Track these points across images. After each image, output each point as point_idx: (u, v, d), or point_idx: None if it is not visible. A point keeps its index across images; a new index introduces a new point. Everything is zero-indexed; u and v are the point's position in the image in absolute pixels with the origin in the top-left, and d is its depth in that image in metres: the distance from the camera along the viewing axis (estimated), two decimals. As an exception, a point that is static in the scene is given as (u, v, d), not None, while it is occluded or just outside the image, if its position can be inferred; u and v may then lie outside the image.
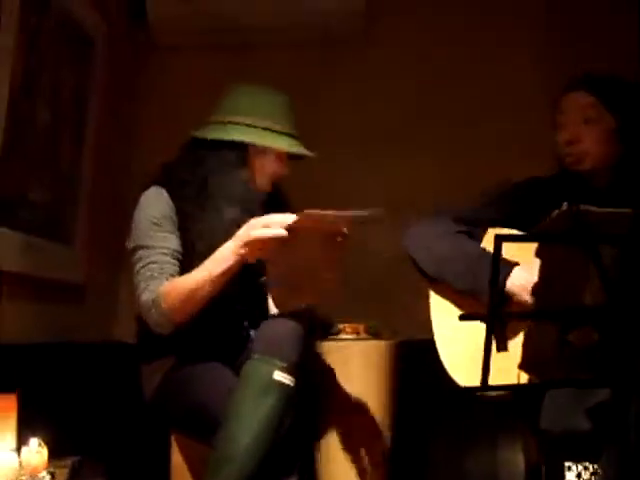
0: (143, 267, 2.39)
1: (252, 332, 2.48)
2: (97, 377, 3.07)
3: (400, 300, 3.10)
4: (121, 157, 3.47)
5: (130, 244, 2.45)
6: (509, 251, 2.17)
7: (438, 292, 2.39)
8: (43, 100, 2.83)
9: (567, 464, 3.01)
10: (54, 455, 2.25)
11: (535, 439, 2.38)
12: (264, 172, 2.55)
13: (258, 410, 2.20)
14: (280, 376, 2.22)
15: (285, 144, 2.51)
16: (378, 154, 3.45)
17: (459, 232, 2.40)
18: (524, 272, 2.18)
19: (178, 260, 2.41)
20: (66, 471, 2.31)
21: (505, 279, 2.22)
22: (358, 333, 2.86)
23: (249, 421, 2.20)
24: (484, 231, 2.39)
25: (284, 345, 2.25)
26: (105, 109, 3.24)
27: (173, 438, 2.54)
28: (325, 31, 3.49)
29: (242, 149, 2.50)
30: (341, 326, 2.83)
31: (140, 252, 2.41)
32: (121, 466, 2.84)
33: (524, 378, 1.77)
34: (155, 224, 2.42)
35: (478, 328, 2.22)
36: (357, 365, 2.71)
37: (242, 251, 2.28)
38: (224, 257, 2.31)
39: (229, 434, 2.20)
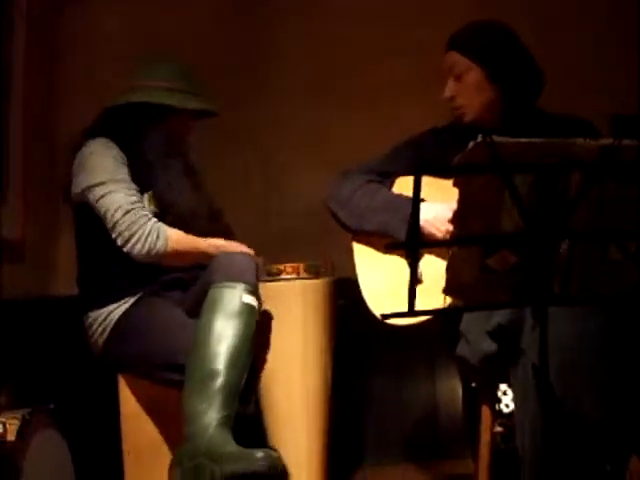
0: (127, 196, 2.51)
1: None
2: (40, 332, 3.12)
3: (337, 239, 3.19)
4: (48, 111, 3.46)
5: (91, 181, 2.52)
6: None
7: (360, 242, 2.56)
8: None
9: (502, 389, 3.15)
10: (4, 408, 2.31)
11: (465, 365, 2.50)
12: (184, 134, 2.72)
13: (233, 329, 2.37)
14: (248, 298, 2.40)
15: (198, 104, 2.67)
16: (317, 108, 3.50)
17: (370, 181, 2.57)
18: (431, 207, 2.32)
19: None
20: (17, 422, 2.37)
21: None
22: (298, 273, 2.94)
23: (227, 339, 2.36)
24: (393, 181, 2.57)
25: (244, 272, 2.44)
26: (29, 62, 3.21)
27: (122, 382, 2.61)
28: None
29: (160, 111, 2.64)
30: (281, 266, 2.91)
31: (113, 185, 2.51)
32: (71, 415, 2.90)
33: (447, 302, 1.87)
34: (122, 163, 2.54)
35: (398, 265, 2.36)
36: (296, 304, 2.80)
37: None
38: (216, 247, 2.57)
39: (208, 353, 2.34)
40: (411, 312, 1.68)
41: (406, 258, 2.35)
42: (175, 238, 2.51)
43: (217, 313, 2.38)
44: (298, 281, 2.85)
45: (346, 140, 3.43)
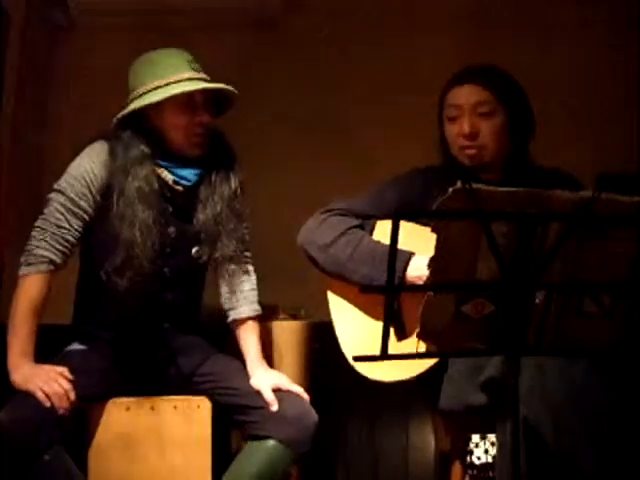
0: (39, 230, 2.39)
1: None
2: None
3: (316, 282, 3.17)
4: (35, 140, 3.45)
5: (56, 184, 2.43)
6: (404, 242, 2.28)
7: (335, 288, 2.49)
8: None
9: (474, 441, 3.13)
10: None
11: (441, 419, 2.49)
12: (178, 130, 2.45)
13: None
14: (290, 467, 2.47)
15: (168, 91, 2.38)
16: (301, 139, 3.52)
17: (353, 227, 2.47)
18: (421, 260, 2.26)
19: (68, 241, 2.41)
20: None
21: (404, 268, 2.30)
22: (277, 314, 2.93)
23: None
24: (373, 226, 2.48)
25: (304, 436, 2.42)
26: (20, 90, 3.21)
27: (93, 413, 2.56)
28: (245, 14, 3.58)
29: (139, 123, 2.44)
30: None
31: (53, 205, 2.40)
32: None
33: (421, 348, 1.86)
34: (83, 185, 2.40)
35: (375, 312, 2.34)
36: (270, 345, 2.78)
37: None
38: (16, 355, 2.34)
39: None
40: (383, 356, 1.67)
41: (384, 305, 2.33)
42: (19, 295, 2.38)
43: (264, 470, 2.41)
44: (274, 322, 2.84)
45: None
